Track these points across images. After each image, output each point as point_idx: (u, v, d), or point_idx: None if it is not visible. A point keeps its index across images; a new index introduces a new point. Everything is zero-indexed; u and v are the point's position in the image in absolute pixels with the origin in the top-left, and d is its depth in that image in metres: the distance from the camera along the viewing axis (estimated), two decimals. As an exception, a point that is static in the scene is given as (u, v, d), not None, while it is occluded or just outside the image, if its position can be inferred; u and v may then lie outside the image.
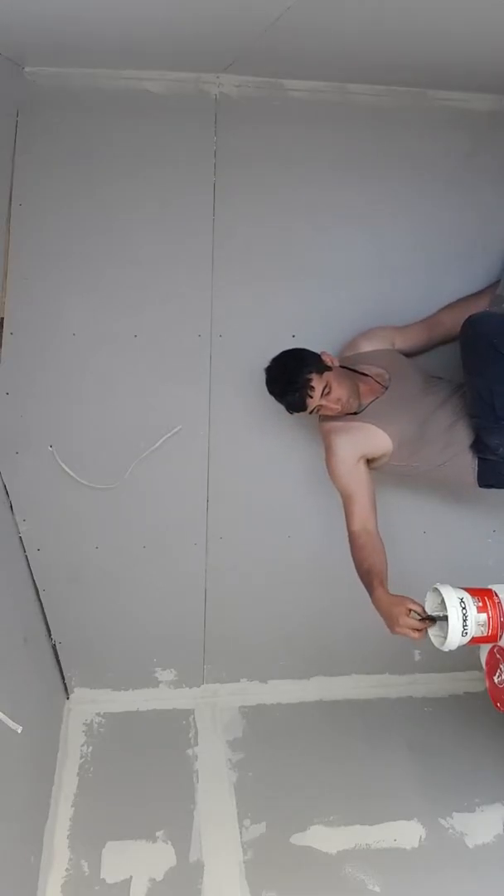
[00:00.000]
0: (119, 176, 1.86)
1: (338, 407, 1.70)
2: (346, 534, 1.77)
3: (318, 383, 1.67)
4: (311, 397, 1.68)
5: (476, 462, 1.71)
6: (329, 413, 1.72)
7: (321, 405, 1.70)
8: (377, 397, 1.77)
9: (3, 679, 1.55)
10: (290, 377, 1.70)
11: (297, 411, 1.73)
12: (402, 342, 1.89)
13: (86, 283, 1.88)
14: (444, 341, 1.88)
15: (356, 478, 1.72)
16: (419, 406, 1.76)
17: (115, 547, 2.00)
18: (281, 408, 1.97)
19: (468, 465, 1.71)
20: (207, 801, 1.73)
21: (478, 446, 1.69)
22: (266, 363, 1.97)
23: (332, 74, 1.87)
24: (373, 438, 1.72)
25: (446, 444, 1.72)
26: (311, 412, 1.72)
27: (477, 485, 1.74)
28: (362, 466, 1.73)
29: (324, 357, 1.75)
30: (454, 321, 1.75)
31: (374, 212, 1.96)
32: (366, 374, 1.79)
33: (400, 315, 1.95)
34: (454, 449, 1.71)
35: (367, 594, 2.08)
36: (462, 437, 1.71)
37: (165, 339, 1.92)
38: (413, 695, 2.14)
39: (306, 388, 1.67)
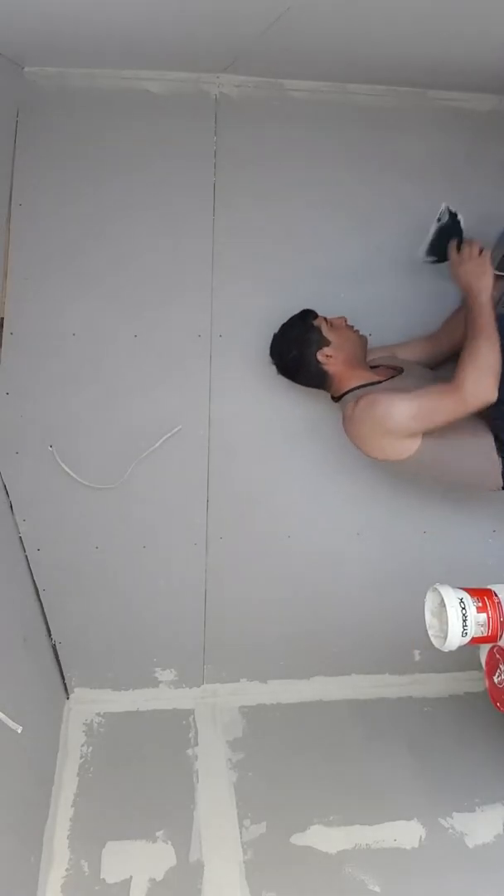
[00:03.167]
0: (119, 176, 1.86)
1: (352, 327, 1.71)
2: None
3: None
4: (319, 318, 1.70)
5: (501, 461, 1.64)
6: (341, 331, 1.70)
7: (331, 321, 1.70)
8: (394, 375, 1.72)
9: (3, 679, 1.55)
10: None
11: (312, 334, 1.71)
12: (405, 356, 1.87)
13: (86, 283, 1.88)
14: (449, 355, 1.84)
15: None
16: None
17: (115, 547, 2.00)
18: (281, 408, 1.98)
19: (493, 465, 1.65)
20: (207, 801, 1.73)
21: (499, 446, 1.63)
22: (266, 363, 1.97)
23: (332, 74, 1.87)
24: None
25: (472, 435, 1.65)
26: (328, 322, 1.71)
27: (502, 484, 1.67)
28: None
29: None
30: (451, 339, 1.74)
31: (375, 212, 1.96)
32: (377, 366, 1.77)
33: (400, 314, 1.95)
34: (477, 445, 1.65)
35: (366, 595, 2.10)
36: (483, 434, 1.65)
37: (165, 339, 1.92)
38: (413, 695, 2.14)
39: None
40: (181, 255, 1.90)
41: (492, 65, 1.72)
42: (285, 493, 2.03)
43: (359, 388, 1.68)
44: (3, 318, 1.85)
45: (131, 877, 1.51)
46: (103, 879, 1.51)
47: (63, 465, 1.91)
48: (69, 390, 1.90)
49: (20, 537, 1.94)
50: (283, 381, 1.97)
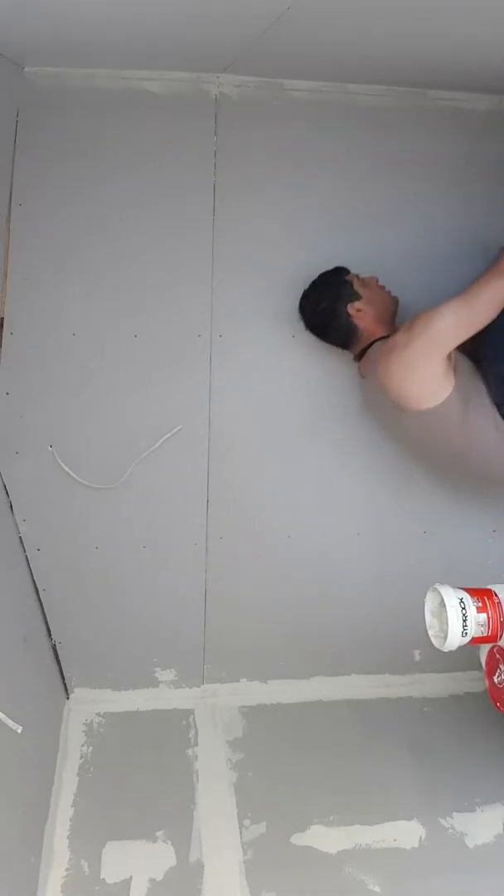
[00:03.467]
0: (119, 176, 1.86)
1: (383, 287, 1.74)
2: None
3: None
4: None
5: None
6: (373, 288, 1.73)
7: (363, 278, 1.72)
8: None
9: (3, 679, 1.55)
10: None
11: (343, 288, 1.73)
12: None
13: (86, 283, 1.88)
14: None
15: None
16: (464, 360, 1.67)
17: (115, 547, 2.00)
18: (282, 409, 1.98)
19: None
20: (207, 801, 1.73)
21: None
22: (266, 363, 1.98)
23: (332, 74, 1.87)
24: None
25: (495, 419, 1.61)
26: (359, 278, 1.74)
27: None
28: None
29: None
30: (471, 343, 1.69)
31: (374, 212, 1.96)
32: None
33: (401, 314, 1.95)
34: (495, 426, 1.61)
35: (366, 595, 2.10)
36: (500, 422, 1.61)
37: (165, 339, 1.92)
38: (413, 695, 2.14)
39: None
40: (181, 255, 1.90)
41: (492, 65, 1.72)
42: (285, 492, 2.03)
43: (389, 336, 1.67)
44: (3, 318, 1.85)
45: (131, 877, 1.51)
46: (103, 879, 1.51)
47: (63, 465, 1.91)
48: (69, 390, 1.91)
49: (20, 537, 1.94)
50: (283, 381, 1.97)
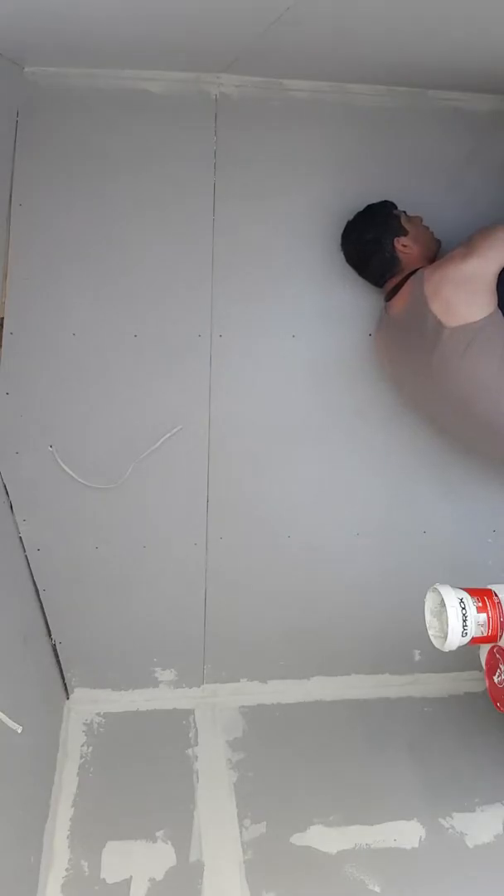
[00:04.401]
0: (119, 176, 1.86)
1: (428, 227, 1.74)
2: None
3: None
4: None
5: None
6: (419, 226, 1.74)
7: (409, 216, 1.73)
8: None
9: (3, 679, 1.55)
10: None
11: (392, 220, 1.74)
12: None
13: (86, 283, 1.88)
14: None
15: None
16: None
17: (115, 547, 2.00)
18: (281, 409, 1.98)
19: None
20: (207, 801, 1.73)
21: None
22: (266, 364, 1.98)
23: (332, 74, 1.87)
24: None
25: None
26: (406, 214, 1.75)
27: None
28: None
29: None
30: None
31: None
32: None
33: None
34: None
35: (367, 595, 2.10)
36: None
37: (165, 339, 1.92)
38: (413, 695, 2.14)
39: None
40: (181, 255, 1.90)
41: (492, 65, 1.72)
42: (285, 493, 2.03)
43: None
44: (3, 318, 1.85)
45: (131, 877, 1.51)
46: (103, 879, 1.51)
47: (63, 465, 1.91)
48: (69, 390, 1.90)
49: (20, 537, 1.94)
50: (283, 382, 1.97)
